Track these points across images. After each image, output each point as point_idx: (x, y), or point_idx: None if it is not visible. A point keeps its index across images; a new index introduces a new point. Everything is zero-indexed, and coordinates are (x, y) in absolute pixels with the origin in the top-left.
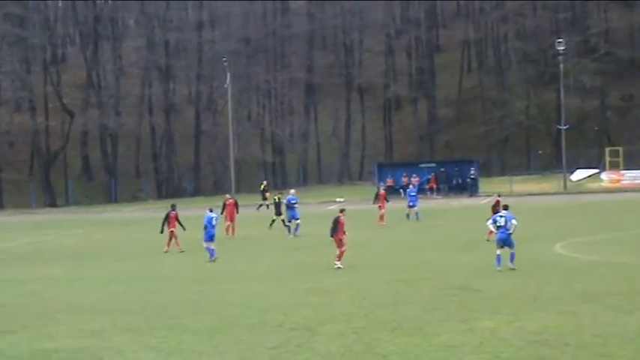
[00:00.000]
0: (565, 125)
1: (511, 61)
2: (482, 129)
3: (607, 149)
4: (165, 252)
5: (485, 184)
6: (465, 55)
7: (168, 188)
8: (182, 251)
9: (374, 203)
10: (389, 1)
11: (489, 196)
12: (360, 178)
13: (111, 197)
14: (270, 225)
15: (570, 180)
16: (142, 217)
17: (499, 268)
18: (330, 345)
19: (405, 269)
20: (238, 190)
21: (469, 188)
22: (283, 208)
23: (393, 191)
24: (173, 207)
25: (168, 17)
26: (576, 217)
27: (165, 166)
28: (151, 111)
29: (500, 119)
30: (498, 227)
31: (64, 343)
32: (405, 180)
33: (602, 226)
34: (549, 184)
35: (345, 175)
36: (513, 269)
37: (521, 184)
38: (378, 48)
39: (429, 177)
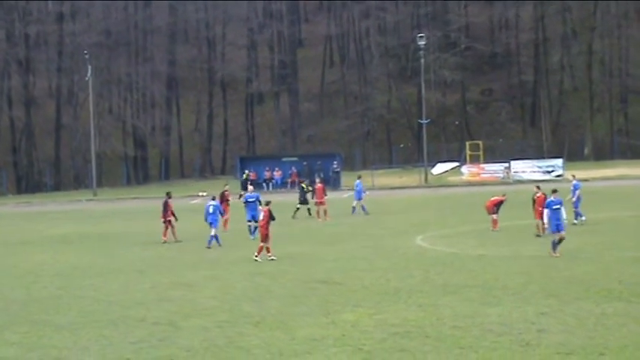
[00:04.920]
0: (426, 119)
1: (373, 56)
2: (345, 123)
3: (467, 143)
4: (164, 242)
5: (347, 178)
6: (327, 49)
7: (28, 183)
8: (179, 241)
9: (313, 198)
10: None
11: (352, 190)
12: (223, 171)
13: None
14: (294, 214)
15: (431, 173)
16: (1, 212)
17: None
18: (194, 339)
19: (268, 263)
20: (100, 184)
21: (332, 182)
22: (308, 197)
23: (256, 185)
24: (169, 195)
25: (28, 9)
26: (437, 210)
27: (25, 160)
28: (10, 104)
29: (363, 113)
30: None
31: None
32: (267, 174)
33: (462, 219)
34: (410, 177)
35: (207, 169)
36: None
37: (383, 178)
38: (241, 42)
39: (291, 171)
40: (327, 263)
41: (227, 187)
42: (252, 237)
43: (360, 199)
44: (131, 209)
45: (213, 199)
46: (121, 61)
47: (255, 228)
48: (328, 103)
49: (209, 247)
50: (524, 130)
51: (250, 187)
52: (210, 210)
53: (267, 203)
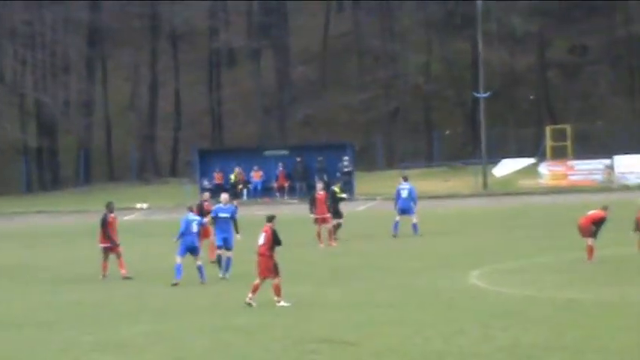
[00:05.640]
0: (485, 92)
1: None
2: (360, 97)
3: (548, 128)
4: (103, 277)
5: (364, 182)
6: None
7: None
8: (128, 278)
9: (312, 213)
10: None
11: (371, 200)
12: (173, 172)
13: None
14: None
15: (493, 175)
16: None
17: None
18: None
19: (244, 312)
20: None
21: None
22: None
23: (225, 191)
24: (110, 208)
25: None
26: (502, 230)
27: None
28: None
29: (388, 82)
30: None
31: None
32: (241, 175)
33: (540, 244)
34: (461, 180)
35: (150, 168)
36: None
37: (420, 182)
38: None
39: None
40: (333, 312)
41: (207, 197)
42: (221, 274)
43: (412, 212)
44: (34, 229)
45: (191, 210)
46: (17, 3)
47: (228, 259)
48: (335, 67)
49: (176, 283)
50: (634, 108)
51: (225, 196)
52: (194, 228)
53: (271, 219)
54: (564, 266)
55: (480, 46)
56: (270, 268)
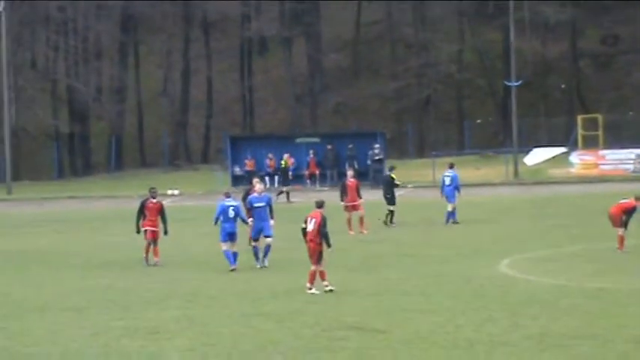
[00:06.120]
0: (517, 81)
1: None
2: (392, 86)
3: (580, 117)
4: (148, 264)
5: (395, 170)
6: None
7: None
8: (155, 265)
9: (342, 200)
10: None
11: (402, 187)
12: (205, 158)
13: None
14: (388, 219)
15: (524, 164)
16: None
17: None
18: None
19: (274, 298)
20: (17, 177)
21: (371, 176)
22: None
23: (259, 179)
24: (153, 192)
25: None
26: (531, 220)
27: None
28: None
29: (419, 71)
30: None
31: None
32: (270, 162)
33: (569, 233)
34: (492, 169)
35: (181, 155)
36: None
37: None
38: None
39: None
40: (363, 300)
41: (257, 181)
42: (258, 264)
43: (452, 200)
44: (65, 215)
45: (228, 196)
46: None
47: (268, 247)
48: (366, 56)
49: (234, 269)
50: None
51: (259, 186)
52: (230, 213)
53: (321, 205)
54: (595, 255)
55: (512, 35)
56: (315, 255)
